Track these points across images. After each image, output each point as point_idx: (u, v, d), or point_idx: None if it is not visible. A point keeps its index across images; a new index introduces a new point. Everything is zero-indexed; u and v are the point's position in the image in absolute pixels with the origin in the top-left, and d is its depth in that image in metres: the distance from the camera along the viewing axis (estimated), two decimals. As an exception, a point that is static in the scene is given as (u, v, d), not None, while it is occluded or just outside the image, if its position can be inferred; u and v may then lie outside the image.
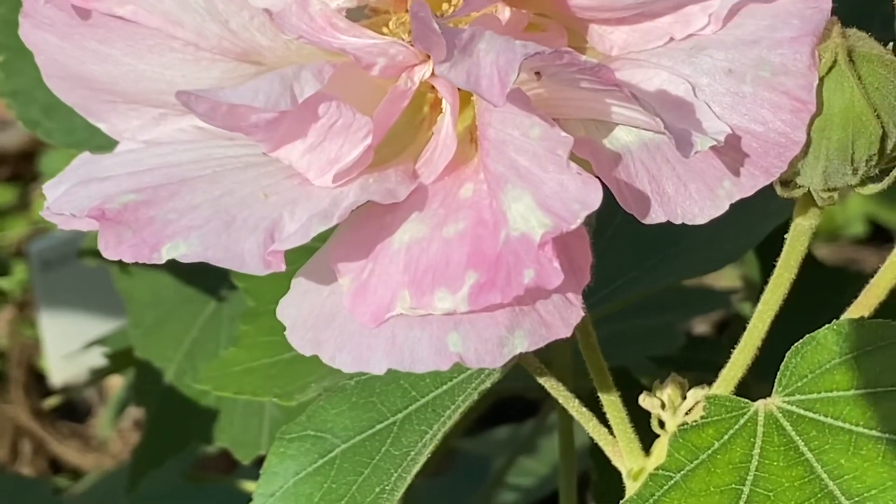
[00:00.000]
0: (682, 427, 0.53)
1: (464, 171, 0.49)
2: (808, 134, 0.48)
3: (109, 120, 0.55)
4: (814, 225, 0.54)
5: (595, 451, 0.63)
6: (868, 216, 1.83)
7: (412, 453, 0.58)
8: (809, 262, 0.57)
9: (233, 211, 0.48)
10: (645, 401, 0.58)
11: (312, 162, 0.49)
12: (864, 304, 0.56)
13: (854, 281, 0.63)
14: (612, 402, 0.59)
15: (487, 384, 0.58)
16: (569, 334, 0.48)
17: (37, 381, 1.67)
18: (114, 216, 0.48)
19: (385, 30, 0.52)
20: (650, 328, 0.94)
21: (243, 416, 0.89)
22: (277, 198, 0.49)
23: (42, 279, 1.42)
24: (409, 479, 0.57)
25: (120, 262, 0.49)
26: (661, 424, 0.58)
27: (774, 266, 0.56)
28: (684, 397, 0.57)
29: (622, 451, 0.59)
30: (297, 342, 0.50)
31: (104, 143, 0.57)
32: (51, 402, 1.59)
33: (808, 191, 0.52)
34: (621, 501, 0.54)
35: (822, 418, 0.53)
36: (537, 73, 0.47)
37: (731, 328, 1.09)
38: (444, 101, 0.50)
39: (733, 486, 0.52)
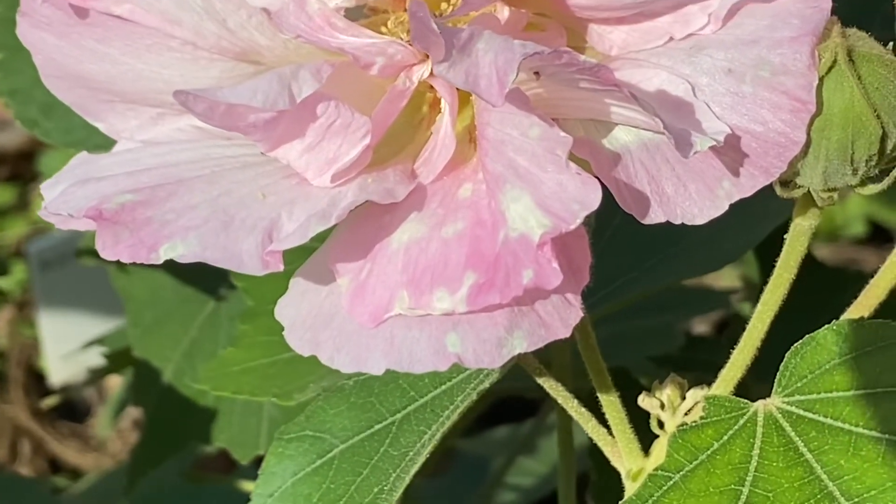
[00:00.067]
0: (681, 427, 0.53)
1: (463, 171, 0.49)
2: (808, 134, 0.48)
3: (107, 119, 0.55)
4: (813, 225, 0.53)
5: (594, 451, 0.63)
6: (868, 216, 1.82)
7: (411, 453, 0.58)
8: (809, 263, 0.57)
9: (231, 211, 0.48)
10: (644, 401, 0.58)
11: (311, 162, 0.49)
12: (864, 305, 0.56)
13: (854, 281, 0.63)
14: (611, 403, 0.58)
15: (486, 384, 0.58)
16: (568, 335, 0.47)
17: (36, 381, 1.66)
18: (111, 216, 0.48)
19: (384, 29, 0.52)
20: (649, 328, 0.94)
21: (242, 416, 0.89)
22: (276, 198, 0.49)
23: (41, 279, 1.42)
24: (407, 480, 0.57)
25: (118, 262, 0.48)
26: (661, 425, 0.58)
27: (774, 266, 0.56)
28: (684, 398, 0.57)
29: (621, 451, 0.59)
30: (295, 342, 0.50)
31: (102, 143, 0.57)
32: (50, 401, 1.58)
33: (808, 191, 0.51)
34: (620, 502, 0.54)
35: (821, 419, 0.53)
36: (536, 73, 0.47)
37: (731, 328, 1.08)
38: (442, 101, 0.50)
39: (732, 486, 0.52)
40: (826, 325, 0.54)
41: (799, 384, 0.53)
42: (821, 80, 0.48)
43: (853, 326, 0.54)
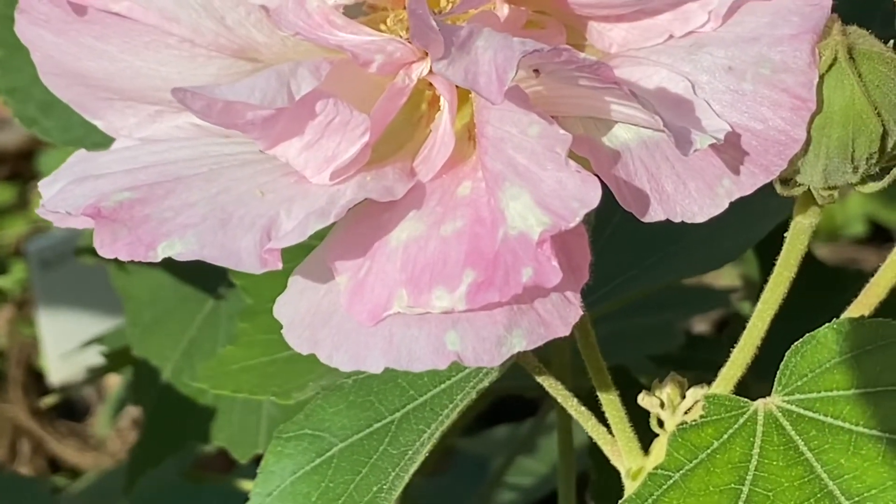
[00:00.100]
0: (681, 426, 0.53)
1: (462, 168, 0.49)
2: (809, 132, 0.48)
3: (106, 117, 0.55)
4: (814, 223, 0.53)
5: (594, 450, 0.62)
6: (868, 216, 1.82)
7: (410, 452, 0.58)
8: (809, 262, 0.57)
9: (229, 209, 0.48)
10: (644, 400, 0.58)
11: (309, 159, 0.49)
12: (865, 303, 0.56)
13: (854, 280, 0.63)
14: (610, 402, 0.58)
15: (486, 383, 0.58)
16: (567, 333, 0.47)
17: (35, 380, 1.66)
18: (109, 214, 0.48)
19: (383, 27, 0.51)
20: (649, 327, 0.94)
21: (241, 415, 0.89)
22: (274, 195, 0.49)
23: (41, 278, 1.41)
24: (406, 479, 0.57)
25: (117, 261, 0.48)
26: (661, 424, 0.57)
27: (774, 265, 0.56)
28: (683, 396, 0.57)
29: (621, 450, 0.58)
30: (293, 341, 0.50)
31: (101, 141, 0.56)
32: (49, 400, 1.58)
33: (808, 189, 0.51)
34: (620, 501, 0.54)
35: (821, 418, 0.53)
36: (536, 71, 0.47)
37: (731, 327, 1.08)
38: (441, 99, 0.50)
39: (732, 485, 0.52)
40: (826, 324, 0.54)
41: (799, 383, 0.53)
42: (821, 77, 0.48)
43: (853, 325, 0.53)
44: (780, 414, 0.53)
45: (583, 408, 0.59)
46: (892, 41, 0.50)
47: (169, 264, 0.91)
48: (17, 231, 1.86)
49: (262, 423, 0.88)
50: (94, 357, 1.17)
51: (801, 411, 0.53)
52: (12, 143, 1.96)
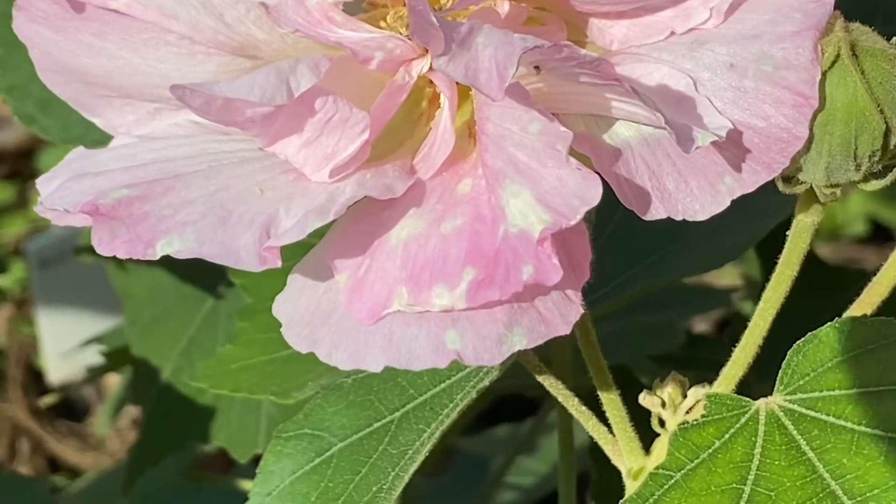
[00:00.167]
0: (682, 426, 0.53)
1: (462, 166, 0.49)
2: (811, 129, 0.48)
3: (104, 114, 0.54)
4: (816, 221, 0.53)
5: (595, 450, 0.62)
6: (869, 215, 1.82)
7: (410, 452, 0.57)
8: (811, 261, 0.56)
9: (228, 206, 0.48)
10: (645, 399, 0.57)
11: (309, 157, 0.49)
12: (867, 302, 0.56)
13: (856, 279, 0.63)
14: (611, 401, 0.58)
15: (486, 382, 0.58)
16: (568, 331, 0.47)
17: (35, 380, 1.66)
18: (107, 211, 0.47)
19: (383, 24, 0.51)
20: (650, 326, 0.94)
21: (240, 415, 0.89)
22: (273, 193, 0.48)
23: (40, 277, 1.41)
24: (406, 478, 0.57)
25: (116, 260, 0.48)
26: (662, 423, 0.57)
27: (775, 263, 0.55)
28: (685, 396, 0.57)
29: (622, 450, 0.58)
30: (293, 339, 0.49)
31: (100, 139, 0.56)
32: (48, 400, 1.58)
33: (811, 187, 0.51)
34: (621, 501, 0.53)
35: (824, 417, 0.52)
36: (536, 68, 0.47)
37: (732, 327, 1.08)
38: (441, 96, 0.50)
39: (734, 485, 0.52)
40: (828, 323, 0.53)
41: (801, 382, 0.53)
42: (824, 74, 0.48)
43: (856, 324, 0.53)
44: (781, 413, 0.53)
45: (583, 407, 0.59)
46: (894, 38, 0.50)
47: (168, 263, 0.91)
48: (16, 230, 1.86)
49: (262, 423, 0.87)
50: (94, 356, 1.17)
51: (803, 411, 0.53)
52: (12, 142, 1.95)
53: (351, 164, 0.49)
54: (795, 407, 0.53)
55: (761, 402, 0.53)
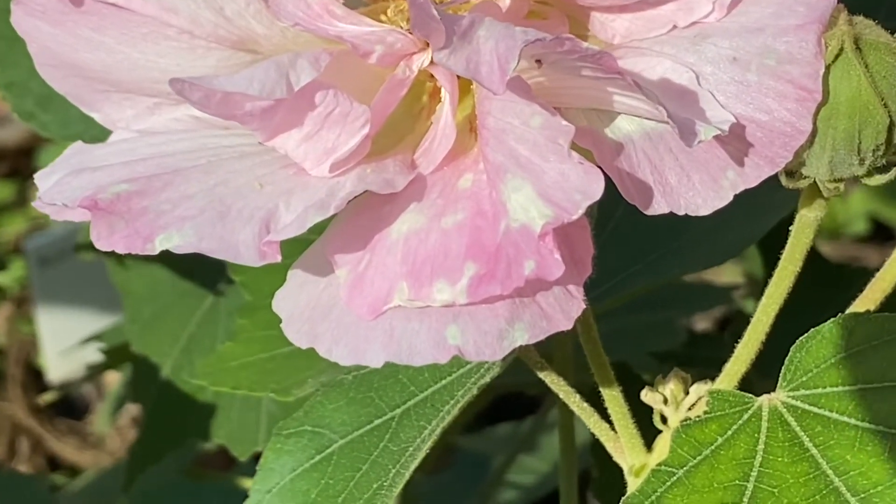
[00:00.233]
0: (684, 422, 0.53)
1: (463, 161, 0.49)
2: (814, 123, 0.48)
3: (103, 109, 0.54)
4: (819, 217, 0.53)
5: (596, 447, 0.62)
6: (870, 214, 1.82)
7: (411, 449, 0.57)
8: (813, 258, 0.56)
9: (228, 201, 0.48)
10: (647, 396, 0.57)
11: (309, 151, 0.49)
12: (870, 299, 0.56)
13: (859, 276, 0.63)
14: (613, 398, 0.58)
15: (487, 379, 0.57)
16: (570, 327, 0.47)
17: (34, 378, 1.66)
18: (106, 206, 0.47)
19: (383, 17, 0.51)
20: (651, 323, 0.94)
21: (240, 412, 0.88)
22: (273, 188, 0.48)
23: (39, 275, 1.41)
24: (407, 475, 0.56)
25: (116, 256, 0.48)
26: (664, 420, 0.57)
27: (778, 260, 0.55)
28: (687, 392, 0.57)
29: (624, 446, 0.58)
30: (292, 335, 0.49)
31: (100, 136, 0.56)
32: (48, 398, 1.58)
33: (814, 182, 0.51)
34: (623, 498, 0.53)
35: (827, 413, 0.52)
36: (538, 61, 0.46)
37: (733, 325, 1.08)
38: (442, 90, 0.49)
39: (737, 482, 0.52)
40: (832, 319, 0.53)
41: (804, 378, 0.53)
42: (827, 68, 0.48)
43: (859, 320, 0.53)
44: (784, 410, 0.53)
45: (585, 404, 0.58)
46: (898, 32, 0.50)
47: (168, 260, 0.90)
48: (16, 228, 1.85)
49: (262, 420, 0.87)
50: (94, 354, 1.17)
51: (806, 407, 0.52)
52: (12, 140, 1.95)
53: (351, 158, 0.49)
54: (798, 403, 0.53)
55: (764, 399, 0.53)
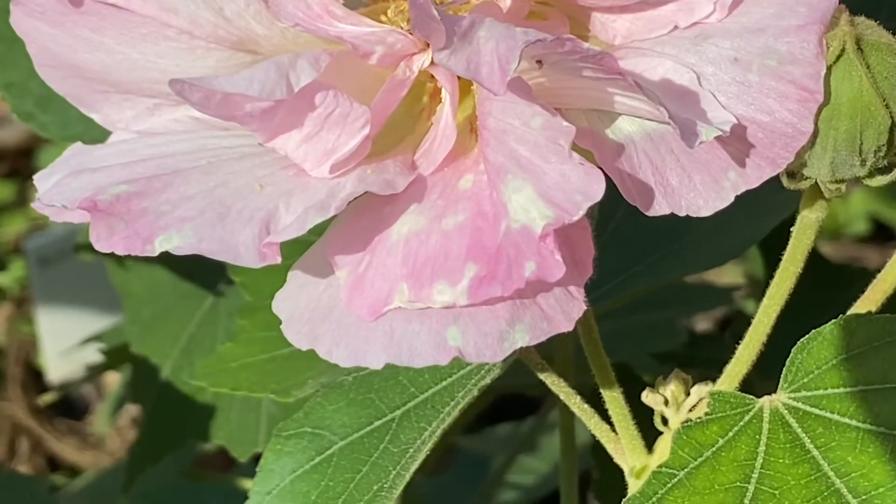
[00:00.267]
0: (685, 424, 0.53)
1: (463, 161, 0.49)
2: (816, 124, 0.48)
3: (103, 110, 0.54)
4: (821, 218, 0.53)
5: (597, 448, 0.62)
6: (870, 214, 1.82)
7: (411, 450, 0.57)
8: (814, 258, 0.56)
9: (227, 202, 0.47)
10: (648, 397, 0.57)
11: (309, 152, 0.49)
12: (871, 300, 0.56)
13: (859, 277, 0.62)
14: (614, 399, 0.58)
15: (487, 380, 0.57)
16: (571, 328, 0.47)
17: (34, 378, 1.66)
18: (106, 207, 0.47)
19: (383, 18, 0.51)
20: (652, 324, 0.94)
21: (240, 413, 0.88)
22: (273, 189, 0.48)
23: (40, 276, 1.41)
24: (407, 477, 0.56)
25: (116, 257, 0.48)
26: (665, 421, 0.57)
27: (779, 261, 0.55)
28: (688, 394, 0.56)
29: (624, 448, 0.58)
30: (292, 336, 0.49)
31: (100, 137, 0.56)
32: (48, 398, 1.58)
33: (815, 182, 0.51)
34: (624, 500, 0.53)
35: (828, 415, 0.52)
36: (539, 62, 0.46)
37: (734, 325, 1.08)
38: (443, 91, 0.49)
39: (738, 483, 0.52)
40: (833, 320, 0.53)
41: (805, 380, 0.53)
42: (829, 69, 0.47)
43: (860, 321, 0.53)
44: (786, 411, 0.52)
45: (586, 405, 0.58)
46: (900, 33, 0.50)
47: (168, 261, 0.90)
48: (16, 228, 1.85)
49: (262, 421, 0.87)
50: (94, 355, 1.17)
51: (808, 408, 0.52)
52: (12, 140, 1.95)
53: (351, 159, 0.49)
54: (799, 405, 0.52)
55: (765, 400, 0.53)
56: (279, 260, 0.46)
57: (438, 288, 0.46)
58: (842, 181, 0.50)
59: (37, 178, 0.51)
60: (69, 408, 1.73)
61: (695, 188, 0.47)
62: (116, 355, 1.06)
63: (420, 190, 0.48)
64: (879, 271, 0.56)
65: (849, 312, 0.55)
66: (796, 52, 0.47)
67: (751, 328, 0.56)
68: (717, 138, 0.46)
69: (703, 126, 0.45)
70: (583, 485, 0.75)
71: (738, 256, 0.74)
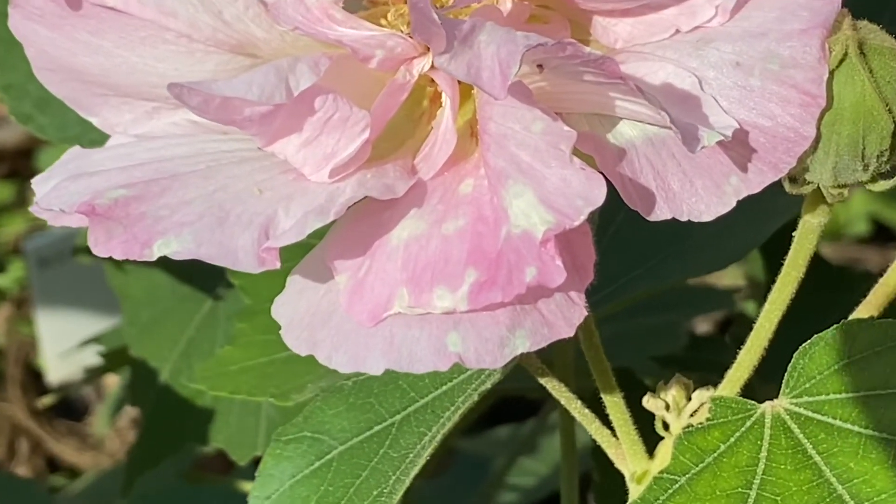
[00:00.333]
0: (686, 429, 0.52)
1: (464, 166, 0.48)
2: (818, 129, 0.47)
3: (101, 114, 0.54)
4: (823, 222, 0.53)
5: (597, 452, 0.62)
6: (871, 215, 1.82)
7: (411, 455, 0.57)
8: (816, 262, 0.56)
9: (226, 207, 0.47)
10: (649, 402, 0.57)
11: (308, 157, 0.48)
12: (873, 304, 0.55)
13: (861, 280, 0.62)
14: (615, 404, 0.58)
15: (488, 385, 0.57)
16: (571, 334, 0.47)
17: (34, 380, 1.66)
18: (104, 211, 0.47)
19: (383, 21, 0.51)
20: (653, 327, 0.93)
21: (239, 417, 0.88)
22: (272, 193, 0.48)
23: (39, 277, 1.41)
24: (407, 482, 0.56)
25: (114, 260, 0.48)
26: (666, 426, 0.57)
27: (780, 265, 0.55)
28: (689, 398, 0.56)
29: (625, 453, 0.58)
30: (292, 342, 0.49)
31: (98, 139, 0.56)
32: (47, 400, 1.58)
33: (818, 187, 0.51)
34: (625, 505, 0.53)
35: (830, 420, 0.52)
36: (539, 66, 0.46)
37: (734, 327, 1.08)
38: (443, 95, 0.49)
39: (740, 489, 0.51)
40: (835, 325, 0.53)
41: (807, 385, 0.52)
42: (831, 73, 0.47)
43: (862, 326, 0.53)
44: (787, 417, 0.52)
45: (586, 410, 0.58)
46: (903, 37, 0.49)
47: (166, 264, 0.90)
48: (15, 229, 1.85)
49: (261, 425, 0.87)
50: (93, 356, 1.17)
51: (810, 414, 0.52)
52: (11, 141, 1.95)
53: (351, 163, 0.48)
54: (801, 410, 0.52)
55: (767, 406, 0.53)
56: (278, 265, 0.46)
57: (439, 293, 0.45)
58: (844, 186, 0.50)
59: (35, 182, 0.51)
60: (69, 409, 1.73)
61: (696, 193, 0.47)
62: (115, 358, 1.06)
63: (420, 194, 0.48)
64: (881, 273, 0.56)
65: (851, 317, 0.55)
66: (798, 57, 0.46)
67: (752, 333, 0.56)
68: (719, 143, 0.45)
69: (704, 131, 0.45)
70: (583, 486, 0.74)
71: (739, 260, 0.74)
